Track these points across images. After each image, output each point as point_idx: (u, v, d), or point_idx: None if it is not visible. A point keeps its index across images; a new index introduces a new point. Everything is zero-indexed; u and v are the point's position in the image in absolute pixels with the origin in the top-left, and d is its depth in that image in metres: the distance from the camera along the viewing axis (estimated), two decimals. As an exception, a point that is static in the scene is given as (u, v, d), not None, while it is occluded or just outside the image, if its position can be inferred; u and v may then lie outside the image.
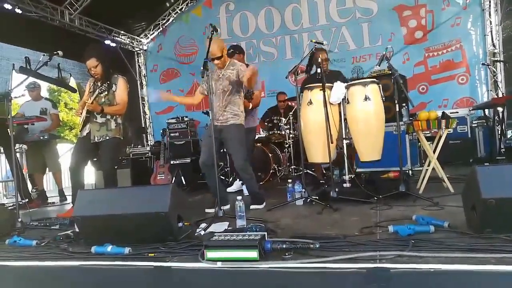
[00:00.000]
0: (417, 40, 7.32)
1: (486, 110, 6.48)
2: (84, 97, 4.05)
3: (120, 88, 3.88)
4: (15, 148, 4.35)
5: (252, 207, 3.63)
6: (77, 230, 2.64)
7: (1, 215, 3.14)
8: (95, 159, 4.91)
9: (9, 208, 4.22)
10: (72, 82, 7.32)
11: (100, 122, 3.84)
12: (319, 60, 3.72)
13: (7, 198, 7.43)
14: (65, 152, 8.94)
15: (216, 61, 3.61)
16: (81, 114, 3.88)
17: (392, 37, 7.36)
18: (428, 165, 3.82)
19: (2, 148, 5.30)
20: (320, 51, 4.26)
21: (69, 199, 5.38)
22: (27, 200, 4.92)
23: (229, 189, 5.10)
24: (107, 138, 3.82)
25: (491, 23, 6.91)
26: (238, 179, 5.14)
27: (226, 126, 3.64)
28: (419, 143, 4.38)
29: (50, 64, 3.97)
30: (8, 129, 3.80)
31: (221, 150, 4.79)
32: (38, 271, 2.19)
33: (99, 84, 3.87)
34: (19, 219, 3.29)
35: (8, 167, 6.27)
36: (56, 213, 4.16)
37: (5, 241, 2.69)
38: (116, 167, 4.21)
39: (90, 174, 4.23)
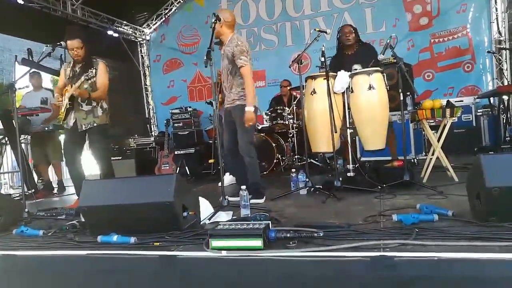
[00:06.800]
0: (422, 26, 7.15)
1: (491, 99, 6.42)
2: (59, 83, 3.88)
3: (101, 72, 3.75)
4: (20, 139, 4.36)
5: (252, 201, 3.13)
6: (82, 220, 2.66)
7: (8, 205, 3.17)
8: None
9: (16, 198, 4.25)
10: None
11: (86, 110, 3.74)
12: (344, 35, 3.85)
13: (13, 189, 7.48)
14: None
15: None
16: (61, 102, 3.72)
17: (397, 22, 7.21)
18: (432, 154, 3.81)
19: (7, 139, 5.33)
20: (346, 26, 4.31)
21: (69, 190, 5.38)
22: (33, 190, 4.95)
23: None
24: (95, 125, 3.75)
25: (496, 10, 6.79)
26: (228, 173, 4.71)
27: (233, 107, 3.61)
28: (424, 132, 4.36)
29: (53, 56, 3.94)
30: (13, 120, 3.80)
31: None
32: (45, 261, 2.21)
33: (77, 69, 3.74)
34: (26, 210, 3.32)
35: (14, 158, 6.32)
36: (64, 205, 4.18)
37: (12, 231, 2.72)
38: (110, 155, 4.17)
39: (95, 166, 4.22)
